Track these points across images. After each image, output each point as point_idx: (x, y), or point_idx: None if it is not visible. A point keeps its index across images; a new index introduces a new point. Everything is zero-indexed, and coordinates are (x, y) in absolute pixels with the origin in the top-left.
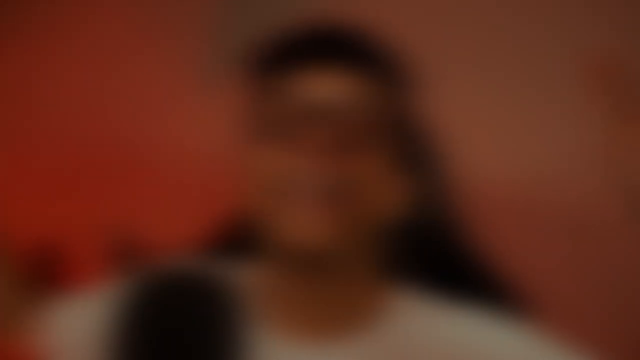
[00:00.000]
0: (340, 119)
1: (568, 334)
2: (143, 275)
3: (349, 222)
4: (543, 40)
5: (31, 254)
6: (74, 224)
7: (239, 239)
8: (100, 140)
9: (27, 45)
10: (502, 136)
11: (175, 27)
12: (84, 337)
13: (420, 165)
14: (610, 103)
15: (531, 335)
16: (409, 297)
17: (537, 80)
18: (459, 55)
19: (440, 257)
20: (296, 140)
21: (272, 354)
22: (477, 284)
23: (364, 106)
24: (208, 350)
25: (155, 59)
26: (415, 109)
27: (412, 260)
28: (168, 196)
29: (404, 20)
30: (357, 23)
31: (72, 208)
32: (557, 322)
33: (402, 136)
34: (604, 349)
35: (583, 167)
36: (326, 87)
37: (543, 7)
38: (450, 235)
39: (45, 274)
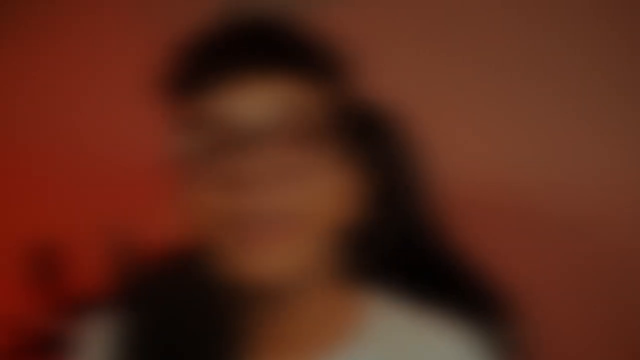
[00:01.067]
0: (275, 138)
1: (550, 337)
2: (140, 286)
3: (306, 245)
4: (527, 37)
5: (31, 254)
6: (73, 224)
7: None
8: (100, 140)
9: (21, 46)
10: (483, 136)
11: (173, 27)
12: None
13: (382, 163)
14: None
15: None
16: (382, 304)
17: (518, 79)
18: (438, 55)
19: (413, 260)
20: (233, 176)
21: None
22: (454, 286)
23: (299, 113)
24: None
25: (151, 59)
26: (371, 104)
27: (385, 265)
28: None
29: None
30: (279, 18)
31: (71, 208)
32: (539, 325)
33: (354, 134)
34: (585, 351)
35: (567, 167)
36: (253, 103)
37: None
38: (424, 236)
39: (45, 274)
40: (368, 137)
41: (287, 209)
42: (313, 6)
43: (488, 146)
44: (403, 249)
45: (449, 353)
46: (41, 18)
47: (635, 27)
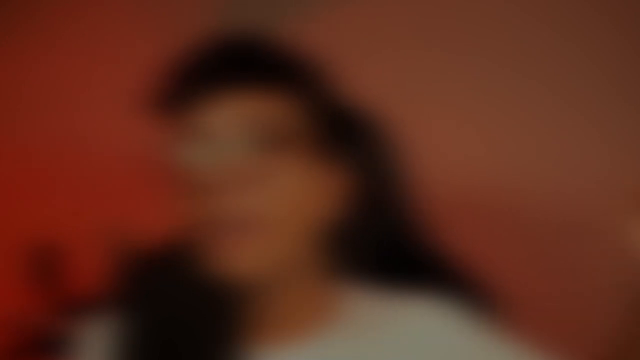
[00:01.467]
0: (247, 146)
1: (530, 332)
2: (140, 283)
3: (279, 243)
4: (517, 37)
5: (31, 254)
6: (73, 224)
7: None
8: (101, 141)
9: (22, 47)
10: (471, 138)
11: (174, 27)
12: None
13: (365, 164)
14: None
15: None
16: (361, 293)
17: (508, 81)
18: (426, 57)
19: (394, 254)
20: (209, 181)
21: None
22: (432, 278)
23: (269, 122)
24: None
25: (155, 59)
26: (352, 108)
27: (365, 258)
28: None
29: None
30: (253, 33)
31: (71, 208)
32: (518, 320)
33: (335, 138)
34: (564, 346)
35: (547, 167)
36: (226, 115)
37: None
38: (405, 234)
39: (45, 274)
40: (350, 140)
41: (257, 210)
42: (296, 14)
43: (476, 148)
44: (384, 245)
45: (424, 327)
46: (43, 20)
47: (637, 27)
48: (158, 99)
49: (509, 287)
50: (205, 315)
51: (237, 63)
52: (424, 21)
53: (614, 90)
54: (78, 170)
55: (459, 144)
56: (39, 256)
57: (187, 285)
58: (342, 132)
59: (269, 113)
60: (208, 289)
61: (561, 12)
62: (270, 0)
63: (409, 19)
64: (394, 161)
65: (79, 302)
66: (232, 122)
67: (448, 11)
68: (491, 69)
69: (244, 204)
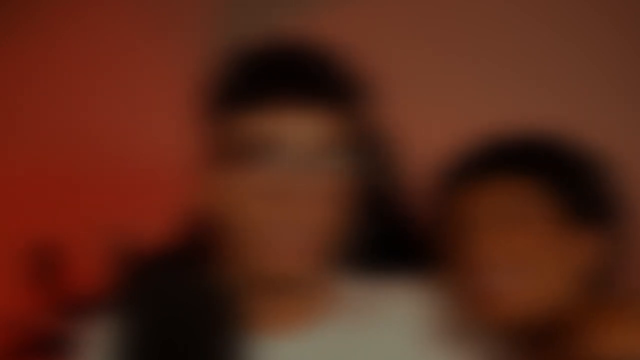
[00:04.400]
0: (315, 160)
1: None
2: (142, 285)
3: (311, 255)
4: (519, 36)
5: (31, 254)
6: (73, 225)
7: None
8: (99, 141)
9: (23, 44)
10: (464, 133)
11: (176, 26)
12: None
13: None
14: None
15: None
16: (354, 282)
17: (511, 77)
18: (428, 50)
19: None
20: (275, 188)
21: (257, 346)
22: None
23: (328, 137)
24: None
25: (154, 60)
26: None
27: (360, 248)
28: (162, 197)
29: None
30: (309, 42)
31: (71, 208)
32: None
33: (364, 148)
34: None
35: None
36: (300, 127)
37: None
38: (403, 225)
39: (45, 274)
40: (367, 147)
41: (306, 223)
42: (298, 15)
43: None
44: (383, 238)
45: (412, 307)
46: (44, 19)
47: (636, 24)
48: (215, 102)
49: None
50: (205, 314)
51: (302, 75)
52: (433, 17)
53: (611, 87)
54: (78, 170)
55: (457, 140)
56: (39, 256)
57: (186, 284)
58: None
59: (336, 126)
60: (207, 288)
61: (560, 9)
62: (274, 2)
63: (409, 17)
64: (391, 158)
65: (79, 302)
66: (306, 138)
67: (454, 10)
68: (491, 68)
69: (300, 216)
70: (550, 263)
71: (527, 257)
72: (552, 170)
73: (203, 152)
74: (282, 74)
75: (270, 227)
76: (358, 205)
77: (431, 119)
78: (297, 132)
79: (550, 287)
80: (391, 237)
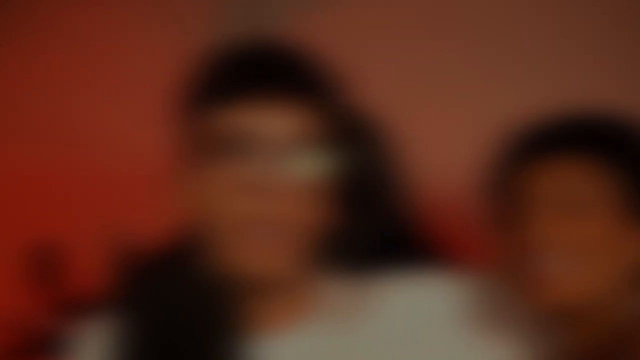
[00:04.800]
0: (291, 152)
1: None
2: (140, 283)
3: (289, 247)
4: (514, 36)
5: (31, 254)
6: (73, 224)
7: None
8: (101, 141)
9: (23, 44)
10: (462, 135)
11: (156, 26)
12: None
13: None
14: None
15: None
16: (345, 281)
17: (505, 80)
18: (421, 56)
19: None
20: (250, 182)
21: (253, 343)
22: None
23: (302, 133)
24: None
25: (151, 60)
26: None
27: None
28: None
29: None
30: (285, 41)
31: (71, 208)
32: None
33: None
34: None
35: None
36: (274, 121)
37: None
38: (401, 232)
39: (46, 275)
40: (353, 139)
41: (283, 216)
42: (291, 15)
43: (473, 147)
44: (376, 238)
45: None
46: (44, 19)
47: (636, 23)
48: (192, 98)
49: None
50: (203, 313)
51: (270, 72)
52: (428, 19)
53: (614, 90)
54: (78, 170)
55: (455, 142)
56: (39, 256)
57: (185, 284)
58: (348, 133)
59: (310, 118)
60: (205, 287)
61: (563, 10)
62: (269, 2)
63: (411, 16)
64: (389, 157)
65: (79, 302)
66: (281, 124)
67: (446, 9)
68: (490, 67)
69: (276, 209)
70: (606, 254)
71: (585, 244)
72: (618, 153)
73: (181, 150)
74: (255, 71)
75: (247, 224)
76: (343, 200)
77: (430, 116)
78: (271, 128)
79: (601, 279)
80: (386, 233)
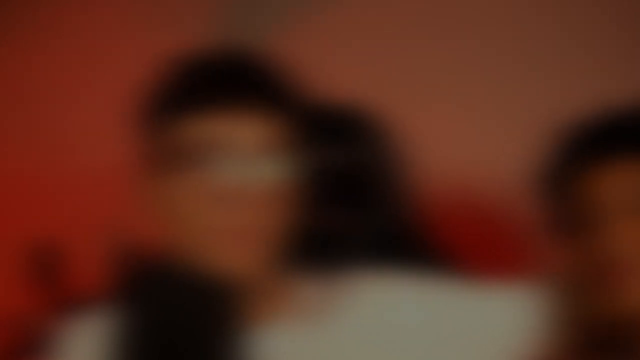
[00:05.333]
0: (256, 160)
1: None
2: (140, 283)
3: (258, 251)
4: (514, 34)
5: (31, 254)
6: (73, 224)
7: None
8: (101, 140)
9: (22, 42)
10: (467, 136)
11: (162, 34)
12: (90, 351)
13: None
14: None
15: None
16: (324, 283)
17: (504, 78)
18: (422, 54)
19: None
20: (218, 191)
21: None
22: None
23: (267, 141)
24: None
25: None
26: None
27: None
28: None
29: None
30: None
31: (71, 208)
32: None
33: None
34: None
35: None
36: (236, 129)
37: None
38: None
39: (46, 275)
40: (342, 140)
41: (252, 225)
42: (281, 22)
43: (475, 145)
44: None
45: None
46: (37, 21)
47: (637, 22)
48: (158, 109)
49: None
50: (200, 312)
51: (239, 80)
52: (427, 16)
53: (616, 89)
54: (78, 170)
55: (457, 140)
56: (39, 256)
57: (183, 284)
58: (340, 132)
59: (273, 125)
60: (201, 288)
61: (563, 8)
62: (257, 10)
63: (411, 13)
64: (387, 157)
65: (79, 302)
66: (248, 140)
67: (450, 9)
68: (494, 65)
69: (246, 217)
70: None
71: None
72: None
73: (145, 160)
74: (219, 82)
75: (216, 233)
76: (329, 200)
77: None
78: (236, 137)
79: None
80: (382, 232)
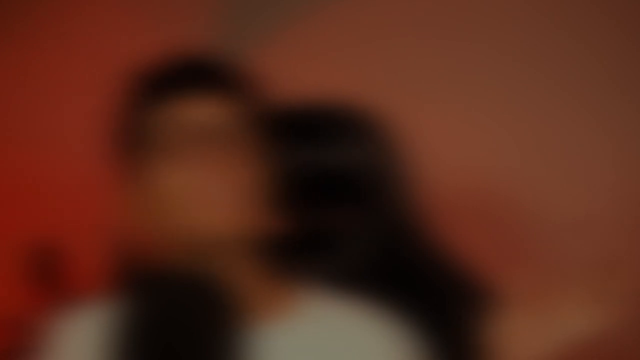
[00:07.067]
0: (218, 135)
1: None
2: (139, 283)
3: (252, 214)
4: (518, 35)
5: (32, 256)
6: (74, 226)
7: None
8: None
9: (22, 42)
10: (472, 138)
11: (173, 26)
12: (87, 347)
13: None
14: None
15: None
16: (323, 295)
17: (508, 81)
18: (426, 54)
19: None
20: (193, 158)
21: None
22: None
23: (230, 121)
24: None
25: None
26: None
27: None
28: None
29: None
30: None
31: (71, 208)
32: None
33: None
34: None
35: (556, 169)
36: (200, 111)
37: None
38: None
39: (46, 275)
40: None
41: (229, 182)
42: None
43: (476, 147)
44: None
45: (370, 340)
46: (32, 21)
47: (637, 23)
48: (142, 96)
49: (504, 287)
50: (198, 312)
51: (202, 75)
52: (431, 13)
53: (617, 90)
54: (78, 170)
55: (457, 142)
56: (39, 256)
57: (181, 284)
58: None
59: (229, 111)
60: (199, 287)
61: (563, 9)
62: (250, 10)
63: (417, 10)
64: (386, 157)
65: (78, 301)
66: (210, 117)
67: (442, 9)
68: (491, 66)
69: (225, 177)
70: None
71: None
72: None
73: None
74: (186, 75)
75: (198, 191)
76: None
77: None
78: (201, 115)
79: None
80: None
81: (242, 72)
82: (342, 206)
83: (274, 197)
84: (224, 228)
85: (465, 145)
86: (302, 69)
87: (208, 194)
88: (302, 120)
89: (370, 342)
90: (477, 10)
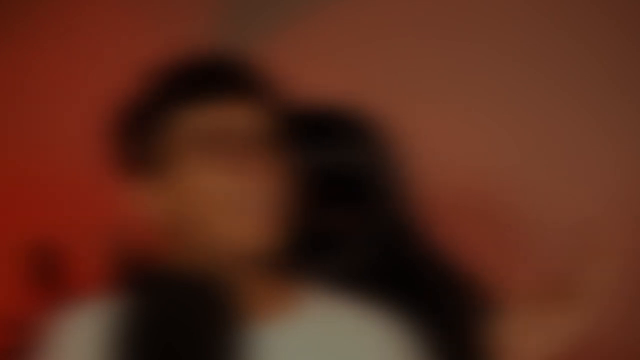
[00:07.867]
0: (247, 141)
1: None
2: (139, 282)
3: (277, 224)
4: (517, 35)
5: (32, 256)
6: (74, 226)
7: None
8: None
9: (22, 41)
10: (469, 139)
11: (174, 27)
12: (87, 346)
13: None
14: None
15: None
16: (323, 295)
17: (505, 81)
18: (423, 54)
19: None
20: (224, 163)
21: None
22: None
23: (257, 125)
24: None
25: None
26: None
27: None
28: None
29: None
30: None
31: (70, 208)
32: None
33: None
34: None
35: (546, 166)
36: (227, 115)
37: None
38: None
39: (46, 275)
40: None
41: (260, 191)
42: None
43: (475, 147)
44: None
45: (371, 340)
46: (35, 21)
47: (637, 23)
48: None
49: (503, 287)
50: (198, 311)
51: (226, 77)
52: (431, 14)
53: (618, 90)
54: (78, 169)
55: (457, 142)
56: (39, 256)
57: (181, 284)
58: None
59: (256, 115)
60: (199, 287)
61: (563, 9)
62: (252, 11)
63: (415, 12)
64: (386, 158)
65: (78, 301)
66: (247, 127)
67: (442, 9)
68: (491, 67)
69: (255, 186)
70: None
71: None
72: None
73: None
74: (204, 79)
75: (226, 201)
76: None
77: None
78: (229, 119)
79: None
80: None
81: (263, 75)
82: (342, 207)
83: (291, 203)
84: (253, 238)
85: (465, 145)
86: (302, 69)
87: (240, 202)
88: (302, 122)
89: (370, 342)
90: (477, 10)
